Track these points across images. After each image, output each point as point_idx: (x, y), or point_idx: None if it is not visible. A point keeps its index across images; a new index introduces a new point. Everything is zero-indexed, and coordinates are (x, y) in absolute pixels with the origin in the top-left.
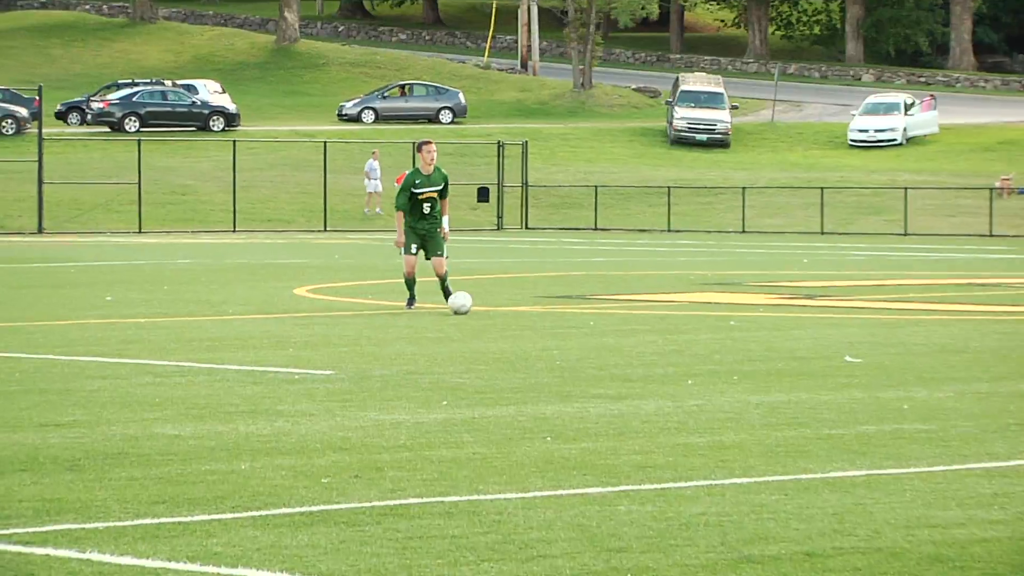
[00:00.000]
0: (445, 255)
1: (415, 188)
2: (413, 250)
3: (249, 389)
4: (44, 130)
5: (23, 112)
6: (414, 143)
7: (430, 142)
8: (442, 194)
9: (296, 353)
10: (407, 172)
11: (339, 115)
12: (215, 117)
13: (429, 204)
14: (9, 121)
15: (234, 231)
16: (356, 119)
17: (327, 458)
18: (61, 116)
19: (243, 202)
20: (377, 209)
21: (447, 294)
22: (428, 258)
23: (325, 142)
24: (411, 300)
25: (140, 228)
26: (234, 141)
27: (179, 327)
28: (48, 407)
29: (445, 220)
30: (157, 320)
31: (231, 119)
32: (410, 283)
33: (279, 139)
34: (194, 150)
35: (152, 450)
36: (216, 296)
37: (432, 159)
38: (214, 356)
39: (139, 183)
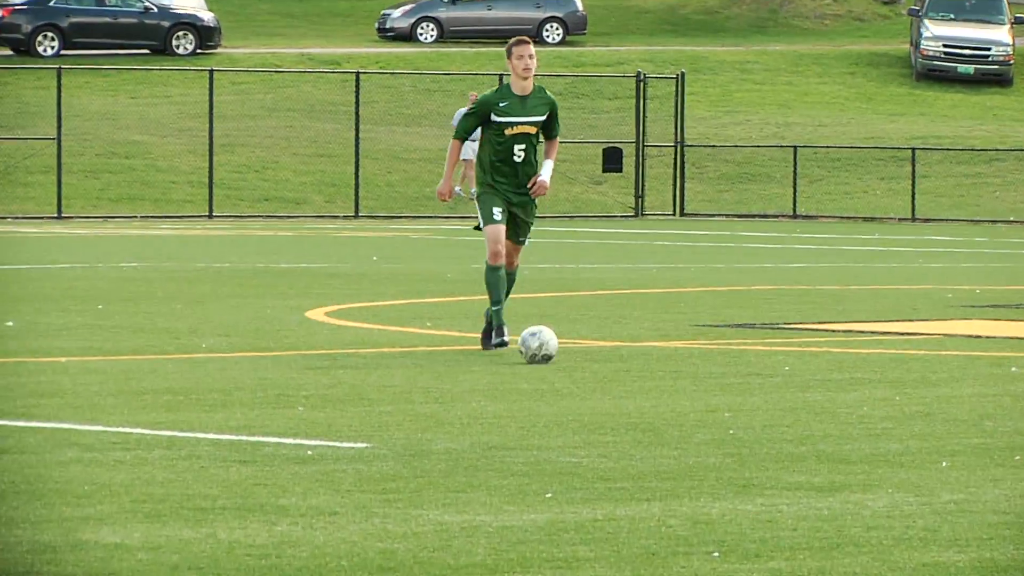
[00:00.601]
0: (527, 242)
1: (498, 115)
2: (497, 215)
3: (234, 472)
4: None
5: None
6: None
7: (526, 41)
8: (548, 131)
9: (309, 414)
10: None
11: (380, 30)
12: (180, 33)
13: (523, 146)
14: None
15: (210, 216)
16: (408, 37)
17: None
18: None
19: (225, 170)
20: (463, 190)
21: (494, 321)
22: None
23: (358, 73)
24: (492, 329)
25: (60, 211)
26: (211, 71)
27: (121, 371)
28: None
29: (547, 165)
30: (87, 360)
31: (206, 36)
32: (496, 282)
33: (283, 69)
34: (147, 86)
35: (80, 567)
36: (182, 321)
37: (528, 69)
38: (178, 418)
39: (58, 139)
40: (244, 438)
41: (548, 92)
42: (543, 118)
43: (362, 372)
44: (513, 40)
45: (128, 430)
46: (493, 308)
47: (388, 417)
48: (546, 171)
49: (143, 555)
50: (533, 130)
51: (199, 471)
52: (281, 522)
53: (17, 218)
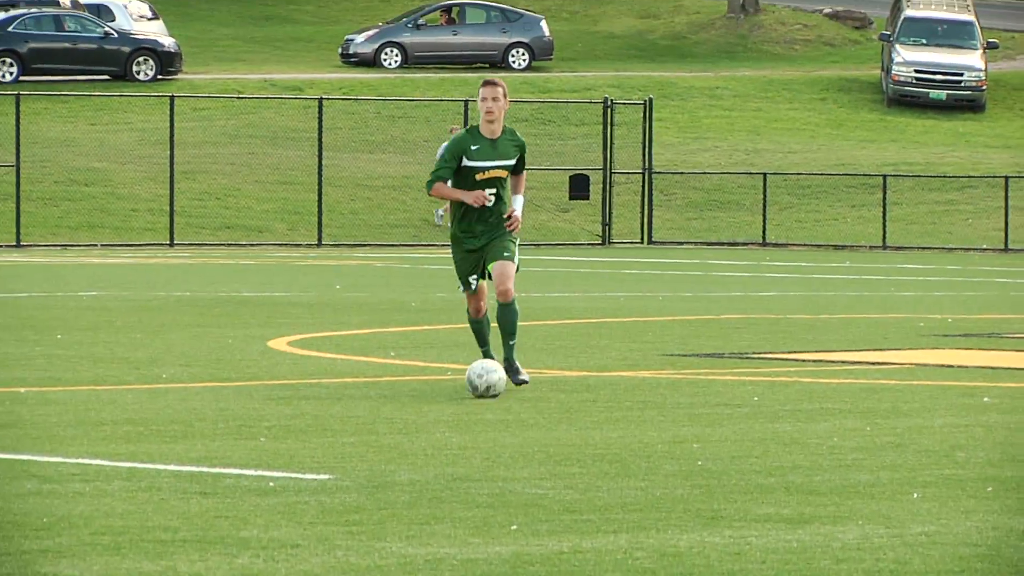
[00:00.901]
0: (516, 261)
1: (469, 160)
2: (472, 285)
3: (195, 504)
4: None
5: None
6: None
7: (493, 83)
8: (514, 169)
9: (271, 445)
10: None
11: (344, 56)
12: (142, 59)
13: (493, 190)
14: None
15: (171, 245)
16: (372, 62)
17: None
18: None
19: (186, 198)
20: (438, 216)
21: (507, 342)
22: (487, 266)
23: (321, 99)
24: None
25: (19, 239)
26: (171, 97)
27: (81, 401)
28: None
29: (518, 201)
30: (45, 390)
31: (168, 62)
32: (479, 329)
33: (245, 95)
34: (107, 112)
35: None
36: (142, 351)
37: (491, 112)
38: (137, 449)
39: (17, 166)
40: (205, 469)
41: (518, 134)
42: (514, 161)
43: (325, 403)
44: (482, 81)
45: (87, 461)
46: (482, 349)
47: (351, 448)
48: (518, 206)
49: None
50: (504, 174)
51: (159, 503)
52: (242, 555)
53: None
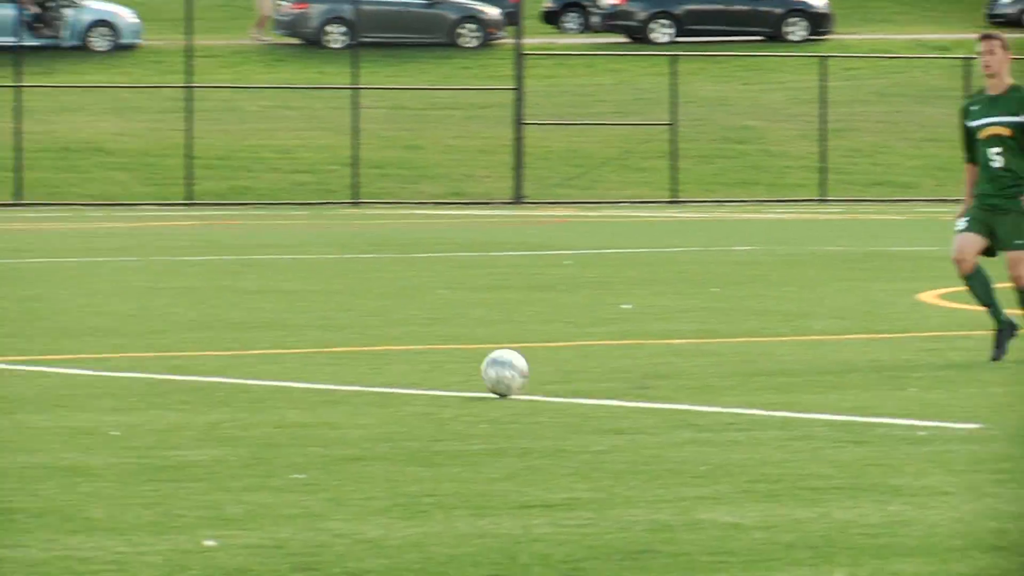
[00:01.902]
0: None
1: (967, 120)
2: (961, 225)
3: (847, 452)
4: (525, 40)
5: (493, 12)
6: None
7: (992, 36)
8: None
9: (921, 395)
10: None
11: (989, 15)
12: (793, 20)
13: (997, 150)
14: (471, 27)
15: (823, 200)
16: (1018, 21)
17: (971, 562)
18: (552, 18)
19: (836, 155)
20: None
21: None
22: (998, 250)
23: (967, 59)
24: (1003, 332)
25: (675, 195)
26: (821, 58)
27: (735, 353)
28: (533, 476)
29: None
30: (700, 342)
31: (819, 22)
32: (973, 287)
33: (895, 55)
34: (760, 72)
35: (696, 546)
36: (794, 304)
37: (992, 65)
38: (790, 399)
39: (674, 124)
40: (857, 419)
41: None
42: (1017, 118)
43: (974, 354)
44: (980, 35)
45: (742, 411)
46: (989, 313)
47: (1001, 398)
48: None
49: (758, 534)
50: (1007, 132)
51: (813, 451)
52: (894, 502)
53: (633, 202)
